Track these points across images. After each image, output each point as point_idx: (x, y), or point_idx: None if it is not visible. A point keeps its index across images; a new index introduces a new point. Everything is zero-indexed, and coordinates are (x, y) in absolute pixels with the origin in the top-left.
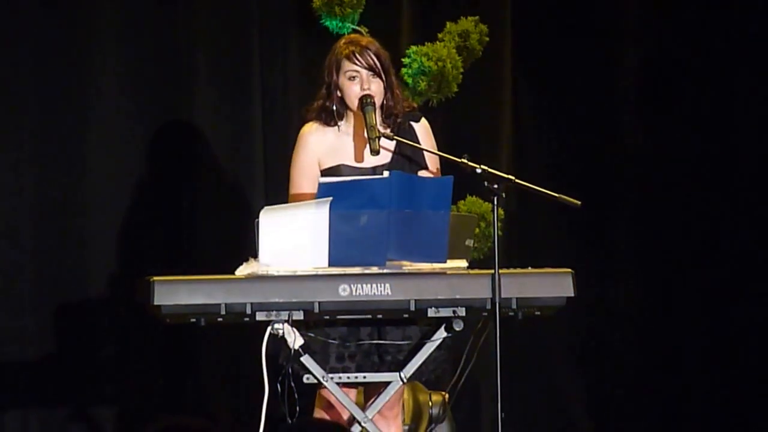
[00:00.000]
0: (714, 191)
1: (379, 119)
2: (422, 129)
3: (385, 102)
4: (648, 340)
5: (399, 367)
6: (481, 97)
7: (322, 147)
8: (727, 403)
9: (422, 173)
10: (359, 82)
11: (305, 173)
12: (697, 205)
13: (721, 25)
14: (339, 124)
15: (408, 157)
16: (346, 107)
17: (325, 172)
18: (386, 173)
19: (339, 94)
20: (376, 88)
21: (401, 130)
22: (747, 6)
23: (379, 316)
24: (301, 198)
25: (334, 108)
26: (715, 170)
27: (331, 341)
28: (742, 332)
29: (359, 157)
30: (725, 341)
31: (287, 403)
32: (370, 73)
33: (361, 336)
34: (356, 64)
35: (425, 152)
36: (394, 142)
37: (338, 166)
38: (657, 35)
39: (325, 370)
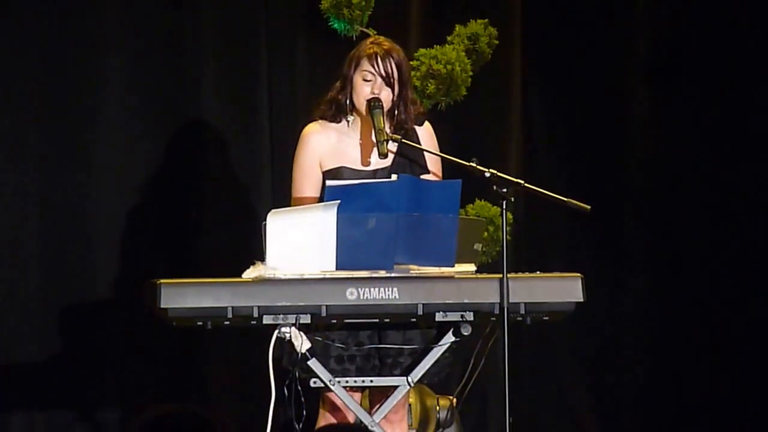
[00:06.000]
0: (726, 194)
1: (387, 127)
2: (425, 133)
3: (397, 114)
4: (657, 345)
5: (400, 369)
6: (491, 101)
7: (323, 148)
8: (736, 407)
9: (424, 177)
10: (371, 85)
11: (307, 174)
12: (709, 209)
13: (731, 12)
14: (346, 120)
15: (410, 160)
16: (354, 106)
17: (326, 174)
18: (394, 176)
19: (350, 89)
20: (386, 95)
21: (405, 134)
22: None
23: (387, 320)
24: (303, 199)
25: (346, 102)
26: (727, 174)
27: (338, 345)
28: (753, 337)
29: (361, 160)
30: (736, 346)
31: (294, 406)
32: (384, 81)
33: (360, 338)
34: (373, 68)
35: (428, 155)
36: (396, 145)
37: (339, 168)
38: (669, 33)
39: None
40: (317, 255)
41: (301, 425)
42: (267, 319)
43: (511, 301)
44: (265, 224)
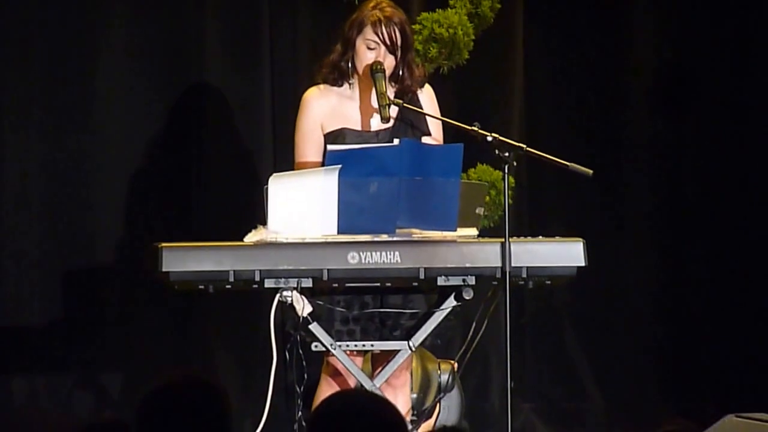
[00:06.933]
0: (728, 160)
1: (390, 92)
2: (426, 96)
3: (401, 78)
4: (660, 308)
5: (400, 331)
6: (493, 65)
7: (324, 110)
8: (739, 371)
9: (425, 140)
10: (375, 54)
11: (309, 138)
12: (711, 171)
13: None
14: (349, 82)
15: (411, 123)
16: (356, 70)
17: (327, 136)
18: (396, 141)
19: (353, 53)
20: (389, 62)
21: (409, 98)
22: None
23: (388, 284)
24: (306, 164)
25: (348, 67)
26: (730, 139)
27: (339, 309)
28: (755, 300)
29: (362, 122)
30: (739, 310)
31: (295, 370)
32: (388, 49)
33: (365, 300)
34: (377, 36)
35: (429, 119)
36: (397, 107)
37: (341, 129)
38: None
39: (330, 334)
40: (319, 219)
41: (302, 388)
42: (269, 283)
43: (513, 265)
44: (267, 188)
